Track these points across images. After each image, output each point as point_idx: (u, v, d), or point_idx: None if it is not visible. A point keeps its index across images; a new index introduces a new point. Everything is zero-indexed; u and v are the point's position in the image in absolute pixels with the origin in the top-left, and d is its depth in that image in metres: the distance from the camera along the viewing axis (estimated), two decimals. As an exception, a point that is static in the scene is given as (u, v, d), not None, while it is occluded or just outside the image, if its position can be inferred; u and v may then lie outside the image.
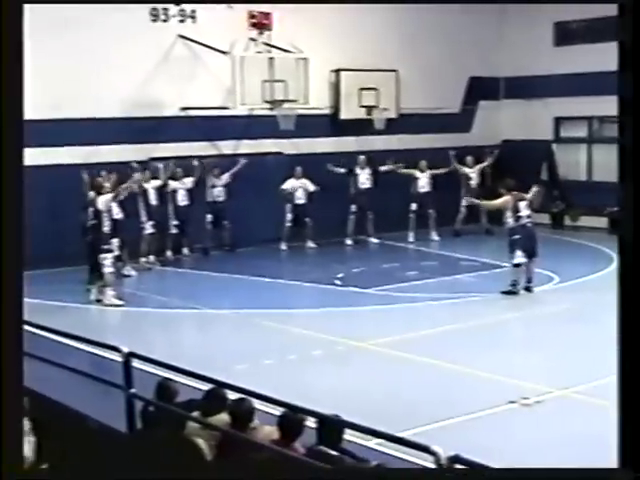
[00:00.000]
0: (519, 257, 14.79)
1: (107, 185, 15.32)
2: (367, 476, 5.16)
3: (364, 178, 20.84)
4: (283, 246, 20.24)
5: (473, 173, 22.01)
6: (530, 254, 14.87)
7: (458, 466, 4.62)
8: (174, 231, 18.86)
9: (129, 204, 16.73)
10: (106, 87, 18.24)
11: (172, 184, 18.74)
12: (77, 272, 15.80)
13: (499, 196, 15.40)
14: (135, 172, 16.94)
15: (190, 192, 18.99)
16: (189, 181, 18.94)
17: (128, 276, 16.78)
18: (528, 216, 14.97)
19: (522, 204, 14.96)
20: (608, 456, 8.06)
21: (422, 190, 21.23)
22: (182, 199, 18.93)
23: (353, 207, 20.84)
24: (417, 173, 21.24)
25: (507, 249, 15.05)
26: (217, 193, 19.55)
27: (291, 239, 20.35)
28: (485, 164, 22.34)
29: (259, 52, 18.85)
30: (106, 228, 14.75)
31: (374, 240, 20.96)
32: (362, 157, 20.84)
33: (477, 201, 17.29)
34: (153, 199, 18.21)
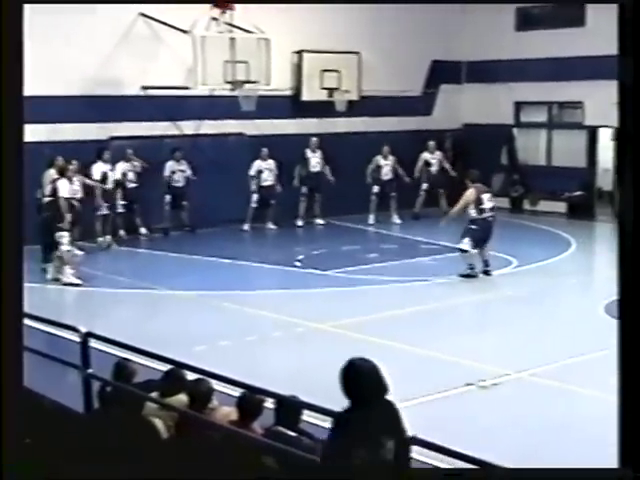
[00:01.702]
0: (465, 244, 14.86)
1: (71, 168, 15.25)
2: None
3: (315, 161, 20.85)
4: (245, 227, 20.20)
5: (434, 159, 22.08)
6: (479, 244, 14.96)
7: (416, 448, 4.66)
8: (121, 210, 18.63)
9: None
10: (67, 65, 18.01)
11: (122, 166, 18.60)
12: (32, 251, 15.61)
13: (463, 187, 15.42)
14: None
15: (140, 175, 18.85)
16: (138, 165, 18.79)
17: (76, 255, 16.56)
18: (491, 209, 15.05)
19: (485, 196, 15.04)
20: (563, 438, 8.18)
21: (386, 177, 21.30)
22: (131, 181, 18.78)
23: (304, 189, 20.86)
24: (381, 161, 21.28)
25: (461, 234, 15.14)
26: (176, 179, 19.44)
27: (253, 220, 20.31)
28: (444, 153, 22.48)
29: (221, 32, 18.69)
30: (63, 207, 14.65)
31: (320, 222, 21.07)
32: (314, 139, 20.82)
33: (450, 215, 16.06)
34: (110, 182, 18.13)
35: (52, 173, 15.51)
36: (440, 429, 6.68)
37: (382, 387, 4.80)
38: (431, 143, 22.10)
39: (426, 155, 22.00)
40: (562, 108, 23.38)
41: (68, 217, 14.95)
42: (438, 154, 22.21)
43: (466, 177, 15.46)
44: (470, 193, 15.04)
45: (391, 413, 4.75)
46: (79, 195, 16.11)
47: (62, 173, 15.00)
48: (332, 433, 4.67)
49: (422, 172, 21.93)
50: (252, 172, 20.08)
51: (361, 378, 4.80)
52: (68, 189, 14.97)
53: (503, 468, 4.40)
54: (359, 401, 4.65)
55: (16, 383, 4.31)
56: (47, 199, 14.90)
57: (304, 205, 20.99)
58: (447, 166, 22.15)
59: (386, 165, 21.35)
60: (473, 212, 14.98)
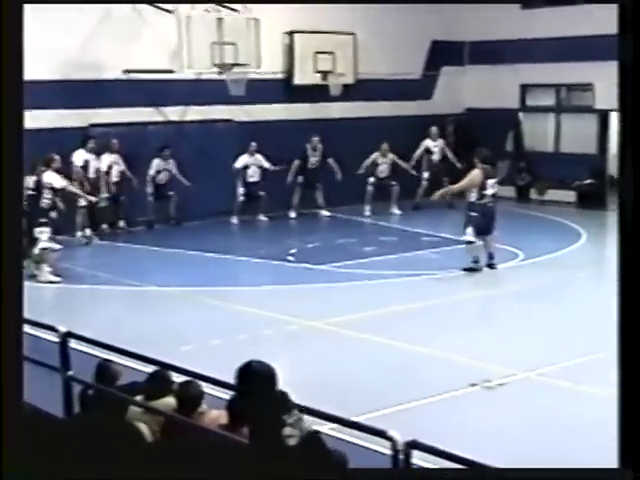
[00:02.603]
0: (469, 235, 14.86)
1: (56, 159, 15.27)
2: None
3: (315, 160, 20.88)
4: (234, 220, 20.21)
5: (435, 147, 22.10)
6: (484, 233, 14.95)
7: (417, 454, 4.68)
8: (104, 204, 18.67)
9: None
10: (41, 47, 17.86)
11: (107, 158, 18.61)
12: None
13: (470, 167, 15.35)
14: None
15: (127, 164, 18.90)
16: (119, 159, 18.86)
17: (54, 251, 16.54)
18: (493, 195, 15.02)
19: (490, 182, 14.95)
20: (573, 440, 8.20)
21: (381, 175, 21.36)
22: (116, 174, 18.81)
23: (300, 179, 20.88)
24: (379, 159, 21.31)
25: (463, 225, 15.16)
26: (161, 178, 19.46)
27: (243, 212, 20.32)
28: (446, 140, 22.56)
29: (207, 11, 18.67)
30: (45, 201, 14.65)
31: (325, 213, 21.04)
32: (315, 139, 20.79)
33: (446, 190, 16.71)
34: (91, 172, 18.14)
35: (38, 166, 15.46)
36: (443, 432, 6.70)
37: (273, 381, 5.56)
38: (433, 129, 22.12)
39: (428, 142, 22.02)
40: (571, 90, 23.38)
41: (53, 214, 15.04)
42: (440, 141, 22.24)
43: (475, 156, 15.21)
44: (477, 174, 14.91)
45: (285, 398, 5.49)
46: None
47: (48, 165, 14.97)
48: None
49: (423, 160, 21.96)
50: (238, 166, 20.04)
51: (261, 378, 5.60)
52: (56, 182, 14.93)
53: (502, 468, 4.42)
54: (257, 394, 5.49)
55: (16, 390, 4.33)
56: (28, 192, 14.86)
57: (298, 196, 20.99)
58: (450, 155, 22.15)
59: (384, 163, 21.39)
60: (473, 196, 14.92)
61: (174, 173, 19.48)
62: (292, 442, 5.20)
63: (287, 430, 5.24)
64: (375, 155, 21.26)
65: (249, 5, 18.91)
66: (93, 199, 17.48)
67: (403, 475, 4.77)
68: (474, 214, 14.89)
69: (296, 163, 20.70)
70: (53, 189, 14.85)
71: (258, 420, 5.43)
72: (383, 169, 21.42)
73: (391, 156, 21.34)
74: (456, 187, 15.73)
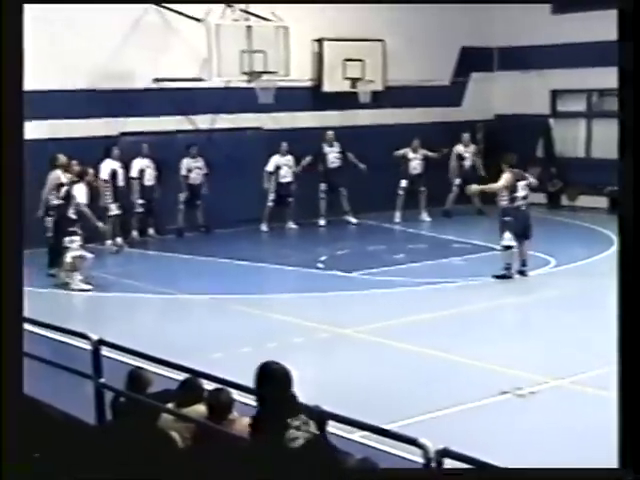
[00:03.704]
0: (507, 240, 14.78)
1: (92, 171, 15.39)
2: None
3: (333, 157, 20.86)
4: (264, 227, 20.25)
5: (467, 152, 22.06)
6: (521, 236, 14.89)
7: (448, 461, 4.67)
8: (139, 210, 18.83)
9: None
10: (73, 57, 18.10)
11: (139, 162, 18.75)
12: (39, 255, 15.73)
13: (499, 173, 15.33)
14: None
15: (159, 171, 19.00)
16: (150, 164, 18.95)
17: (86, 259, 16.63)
18: (524, 197, 14.96)
19: (521, 184, 14.91)
20: (606, 449, 8.13)
21: (414, 172, 21.33)
22: (149, 178, 18.92)
23: (323, 186, 20.87)
24: (410, 154, 21.29)
25: (498, 230, 15.10)
26: (194, 177, 19.54)
27: (272, 220, 20.36)
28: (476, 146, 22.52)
29: (236, 20, 18.76)
30: (72, 210, 14.77)
31: (353, 220, 21.02)
32: (330, 133, 20.81)
33: (477, 188, 16.72)
34: (120, 180, 18.26)
35: (58, 174, 15.61)
36: (474, 440, 6.68)
37: (291, 384, 5.75)
38: (465, 135, 22.09)
39: (459, 148, 21.99)
40: (602, 96, 23.22)
41: (101, 222, 15.20)
42: (472, 147, 22.20)
43: (502, 161, 15.23)
44: (507, 179, 14.88)
45: (298, 402, 5.69)
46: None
47: (81, 177, 15.14)
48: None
49: (455, 166, 21.92)
50: (270, 168, 20.12)
51: (275, 378, 5.76)
52: (85, 195, 15.04)
53: (502, 468, 4.41)
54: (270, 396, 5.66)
55: (16, 387, 4.35)
56: (58, 202, 15.00)
57: (324, 203, 20.99)
58: (478, 163, 22.12)
59: (415, 159, 21.35)
60: (505, 201, 14.89)
61: (205, 171, 19.54)
62: (294, 444, 5.31)
63: (291, 433, 5.36)
64: (406, 150, 21.22)
65: (278, 13, 18.96)
66: (115, 209, 17.68)
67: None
68: (508, 219, 14.85)
69: (307, 159, 20.57)
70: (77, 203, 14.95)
71: (263, 420, 5.57)
72: (415, 165, 21.36)
73: (422, 151, 21.29)
74: (488, 187, 15.68)
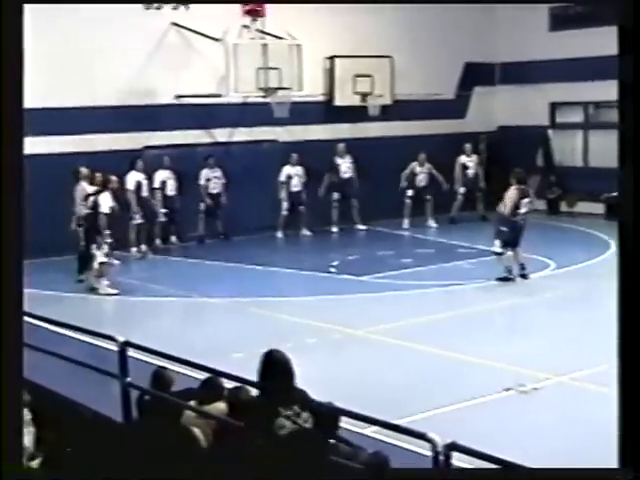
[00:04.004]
0: (497, 246, 14.86)
1: (114, 180, 15.39)
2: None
3: (345, 167, 20.87)
4: (279, 234, 20.27)
5: (470, 162, 22.05)
6: (509, 245, 14.90)
7: (456, 455, 4.66)
8: (163, 219, 18.87)
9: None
10: (100, 75, 18.20)
11: (161, 174, 18.80)
12: (68, 261, 15.80)
13: (501, 182, 15.30)
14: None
15: (180, 181, 19.04)
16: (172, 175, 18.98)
17: (113, 265, 16.67)
18: (525, 213, 14.99)
19: (524, 201, 14.94)
20: (606, 444, 8.10)
21: (421, 184, 21.33)
22: (171, 189, 18.96)
23: (336, 195, 20.86)
24: (416, 168, 21.28)
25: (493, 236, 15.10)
26: (212, 186, 19.56)
27: (286, 227, 20.38)
28: (479, 156, 22.48)
29: (252, 39, 18.79)
30: (101, 219, 14.80)
31: (361, 227, 21.03)
32: (341, 145, 20.86)
33: (506, 215, 15.10)
34: (144, 191, 18.30)
35: (83, 186, 15.67)
36: (480, 434, 6.66)
37: (289, 374, 5.98)
38: (467, 145, 22.07)
39: (463, 158, 21.98)
40: (598, 108, 23.16)
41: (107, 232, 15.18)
42: (474, 157, 22.19)
43: (511, 176, 15.20)
44: (513, 194, 14.88)
45: (300, 393, 5.93)
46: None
47: (105, 186, 15.17)
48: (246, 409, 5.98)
49: (459, 175, 21.92)
50: (282, 178, 20.15)
51: (276, 366, 6.00)
52: (110, 203, 15.07)
53: (503, 468, 4.37)
54: (269, 383, 5.92)
55: (16, 387, 4.28)
56: (86, 212, 15.04)
57: (337, 211, 21.00)
58: (480, 172, 22.12)
59: (422, 172, 21.35)
60: (506, 212, 14.92)
61: (223, 181, 19.56)
62: (281, 432, 5.46)
63: (280, 421, 5.51)
64: (413, 165, 21.23)
65: (292, 32, 18.98)
66: (139, 217, 17.75)
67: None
68: (504, 229, 14.87)
69: (327, 178, 20.67)
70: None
71: (257, 404, 5.86)
72: (422, 178, 21.36)
73: (428, 165, 21.29)
74: (507, 211, 15.12)
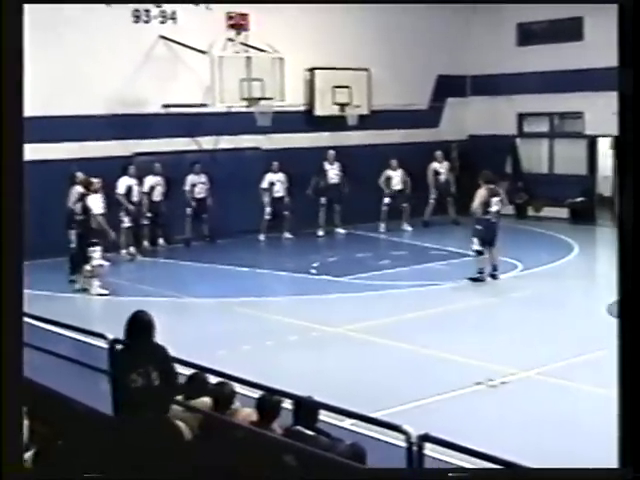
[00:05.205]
0: (476, 245, 14.95)
1: (96, 182, 15.29)
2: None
3: (333, 173, 20.89)
4: (262, 237, 20.23)
5: (442, 168, 22.12)
6: (487, 244, 14.97)
7: (428, 445, 4.66)
8: (146, 222, 18.76)
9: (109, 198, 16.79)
10: (91, 85, 18.12)
11: (151, 179, 18.73)
12: (60, 263, 15.70)
13: (473, 187, 15.36)
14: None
15: (167, 187, 18.99)
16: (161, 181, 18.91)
17: (103, 267, 16.55)
18: (497, 212, 15.06)
19: (494, 199, 15.02)
20: (569, 434, 8.15)
21: (396, 187, 21.37)
22: (158, 194, 18.89)
23: (323, 200, 20.87)
24: (390, 172, 21.33)
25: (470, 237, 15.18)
26: (198, 191, 19.49)
27: (269, 230, 20.35)
28: (451, 163, 22.54)
29: (237, 52, 18.78)
30: (93, 223, 14.73)
31: (342, 231, 21.03)
32: (331, 152, 20.89)
33: (473, 211, 15.33)
34: (135, 195, 18.21)
35: (78, 189, 15.57)
36: (452, 426, 6.67)
37: (149, 331, 6.35)
38: (438, 153, 22.14)
39: (435, 165, 22.05)
40: (563, 118, 23.32)
41: (111, 233, 15.14)
42: (446, 164, 22.27)
43: (479, 178, 15.29)
44: (482, 193, 14.97)
45: (158, 353, 6.29)
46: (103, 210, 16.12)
47: (88, 188, 15.01)
48: (112, 362, 6.65)
49: (432, 181, 21.98)
50: (264, 185, 20.12)
51: (135, 324, 6.36)
52: (98, 204, 14.98)
53: (503, 468, 4.37)
54: (131, 340, 6.35)
55: (16, 387, 4.20)
56: (79, 217, 14.93)
57: (324, 215, 21.00)
58: (451, 178, 22.21)
59: (396, 176, 21.41)
60: (479, 212, 15.03)
61: (208, 186, 19.49)
62: (133, 386, 6.03)
63: (133, 376, 6.06)
64: (387, 171, 21.29)
65: (275, 45, 18.97)
66: (128, 221, 17.66)
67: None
68: (479, 227, 15.01)
69: (314, 181, 20.68)
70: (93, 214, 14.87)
71: (118, 359, 6.47)
72: (396, 182, 21.41)
73: (400, 170, 21.36)
74: (475, 206, 15.27)
